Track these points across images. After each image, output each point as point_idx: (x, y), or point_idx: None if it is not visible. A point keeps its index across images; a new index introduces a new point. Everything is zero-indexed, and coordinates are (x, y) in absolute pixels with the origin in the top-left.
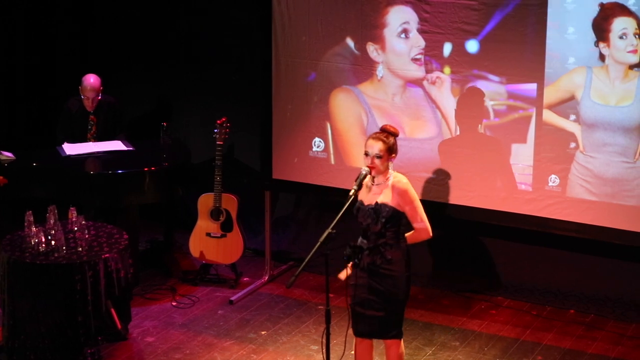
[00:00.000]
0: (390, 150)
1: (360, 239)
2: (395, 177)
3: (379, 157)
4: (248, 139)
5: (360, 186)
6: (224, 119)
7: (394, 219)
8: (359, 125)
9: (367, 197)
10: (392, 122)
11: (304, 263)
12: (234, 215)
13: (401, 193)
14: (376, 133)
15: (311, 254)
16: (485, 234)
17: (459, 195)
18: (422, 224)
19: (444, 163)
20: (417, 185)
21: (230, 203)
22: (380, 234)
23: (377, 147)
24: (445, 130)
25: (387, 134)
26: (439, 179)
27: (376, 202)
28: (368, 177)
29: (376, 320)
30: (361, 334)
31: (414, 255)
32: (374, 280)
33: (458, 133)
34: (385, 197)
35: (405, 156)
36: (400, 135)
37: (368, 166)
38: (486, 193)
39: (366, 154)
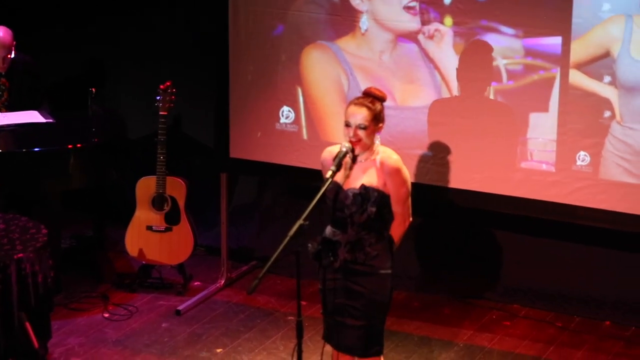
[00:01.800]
0: (377, 119)
1: (329, 230)
2: (384, 152)
3: (363, 127)
4: (199, 108)
5: (339, 166)
6: (168, 84)
7: (382, 206)
8: (337, 90)
9: (348, 179)
10: (379, 86)
11: (269, 263)
12: (181, 203)
13: (392, 172)
14: (358, 98)
15: (278, 251)
16: (496, 225)
17: (463, 178)
18: (405, 211)
19: (443, 137)
20: (410, 165)
21: (176, 188)
22: (365, 225)
23: (360, 115)
24: (446, 96)
25: (373, 99)
26: (438, 158)
27: (362, 186)
28: (349, 155)
29: (355, 332)
30: (344, 349)
31: (404, 251)
32: (353, 281)
33: (461, 100)
34: (370, 178)
35: (396, 129)
36: (389, 103)
37: (350, 141)
38: (497, 175)
39: (347, 125)
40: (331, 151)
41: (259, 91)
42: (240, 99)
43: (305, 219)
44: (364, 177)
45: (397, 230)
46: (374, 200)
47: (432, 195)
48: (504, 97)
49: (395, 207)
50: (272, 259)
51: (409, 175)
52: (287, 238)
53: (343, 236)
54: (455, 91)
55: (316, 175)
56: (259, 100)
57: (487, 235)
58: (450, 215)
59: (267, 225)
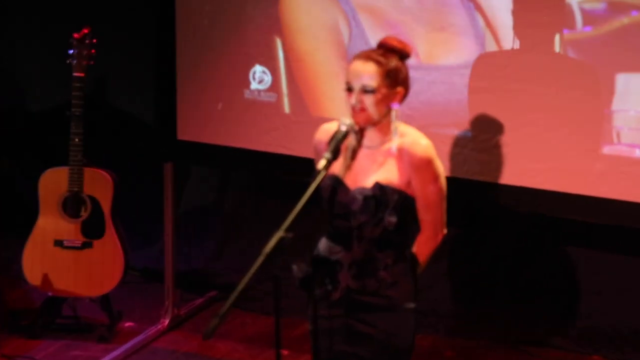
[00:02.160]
0: (393, 80)
1: (324, 245)
2: (407, 134)
3: (370, 91)
4: (132, 68)
5: (336, 152)
6: (85, 31)
7: (405, 213)
8: (334, 42)
9: (353, 173)
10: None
11: (235, 294)
12: (106, 207)
13: (419, 165)
14: (366, 51)
15: (248, 276)
16: (566, 239)
17: (517, 170)
18: (437, 220)
19: (488, 110)
20: (440, 151)
21: (99, 186)
22: (379, 240)
23: (366, 72)
24: (493, 49)
25: (386, 52)
26: (481, 140)
27: (376, 184)
28: (351, 136)
29: None
30: None
31: (431, 277)
32: (359, 319)
33: (515, 55)
34: (388, 173)
35: (418, 98)
36: (410, 61)
37: (352, 112)
38: (567, 165)
39: (348, 89)
40: (328, 130)
41: (220, 43)
42: (192, 55)
43: (287, 230)
44: (379, 171)
45: (424, 247)
46: (393, 206)
47: (472, 194)
48: (578, 51)
49: (423, 215)
50: (240, 287)
51: (442, 169)
52: (262, 257)
53: (346, 254)
54: (506, 42)
55: (304, 166)
56: (220, 57)
57: (553, 254)
58: (499, 225)
59: (232, 239)
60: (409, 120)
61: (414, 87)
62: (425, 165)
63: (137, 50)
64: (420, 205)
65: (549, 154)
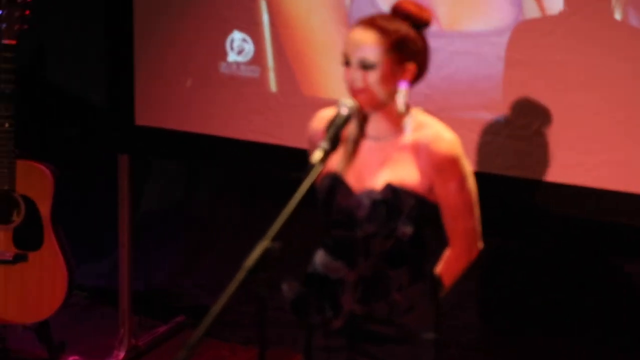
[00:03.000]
0: (402, 52)
1: (322, 259)
2: (427, 126)
3: (370, 66)
4: (77, 35)
5: (335, 142)
6: None
7: (423, 222)
8: (331, 2)
9: (356, 169)
10: None
11: (208, 320)
12: (44, 210)
13: (442, 165)
14: (372, 15)
15: (226, 297)
16: (626, 252)
17: (563, 163)
18: (470, 231)
19: (527, 89)
20: (467, 141)
21: (36, 184)
22: (392, 255)
23: (367, 43)
24: (533, 15)
25: (395, 16)
26: (518, 126)
27: (388, 186)
28: (353, 124)
29: None
30: None
31: (453, 299)
32: (367, 353)
33: (561, 20)
34: (402, 172)
35: (439, 74)
36: (430, 27)
37: (351, 91)
38: (626, 158)
39: (345, 63)
40: (326, 118)
41: (188, 3)
42: (152, 19)
43: (274, 239)
44: (390, 169)
45: (454, 265)
46: (409, 213)
47: (507, 193)
48: None
49: (452, 226)
50: (214, 311)
51: (470, 169)
52: (243, 273)
53: (349, 272)
54: (551, 4)
55: (295, 159)
56: (188, 21)
57: (612, 271)
58: (540, 233)
59: (203, 250)
60: (427, 101)
61: (433, 60)
62: (450, 165)
63: (83, 13)
64: (446, 215)
65: (604, 144)
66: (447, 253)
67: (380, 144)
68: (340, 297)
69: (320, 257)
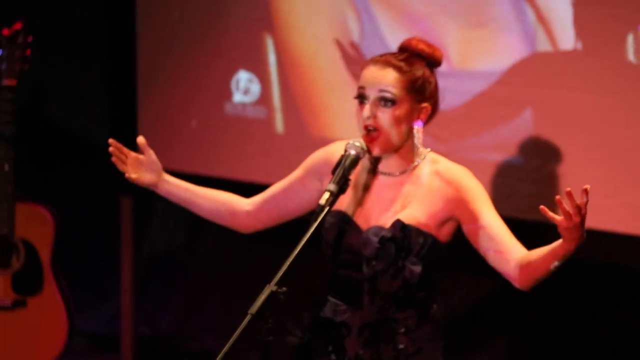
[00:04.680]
0: (419, 94)
1: (330, 303)
2: (439, 162)
3: (390, 101)
4: (79, 78)
5: (344, 184)
6: (17, 27)
7: (433, 262)
8: (340, 42)
9: (365, 208)
10: (422, 34)
11: None
12: (45, 255)
13: (476, 191)
14: (385, 54)
15: (230, 343)
16: None
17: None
18: (508, 239)
19: (545, 128)
20: (480, 181)
21: (36, 227)
22: (400, 297)
23: (385, 79)
24: (547, 50)
25: (409, 56)
26: (535, 168)
27: (397, 221)
28: (363, 161)
29: None
30: None
31: (462, 345)
32: None
33: (576, 58)
34: (413, 209)
35: (451, 113)
36: (441, 66)
37: (364, 133)
38: None
39: (360, 97)
40: (333, 153)
41: (193, 42)
42: (157, 58)
43: (280, 283)
44: (400, 206)
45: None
46: (418, 252)
47: (520, 238)
48: None
49: (509, 237)
50: (219, 358)
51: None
52: (248, 318)
53: (355, 314)
54: (564, 42)
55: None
56: (194, 61)
57: (634, 319)
58: (556, 280)
59: (207, 294)
60: (437, 141)
61: (444, 99)
62: (474, 182)
63: (86, 52)
64: (499, 233)
65: (622, 186)
66: (523, 254)
67: (391, 180)
68: (345, 340)
69: (330, 302)
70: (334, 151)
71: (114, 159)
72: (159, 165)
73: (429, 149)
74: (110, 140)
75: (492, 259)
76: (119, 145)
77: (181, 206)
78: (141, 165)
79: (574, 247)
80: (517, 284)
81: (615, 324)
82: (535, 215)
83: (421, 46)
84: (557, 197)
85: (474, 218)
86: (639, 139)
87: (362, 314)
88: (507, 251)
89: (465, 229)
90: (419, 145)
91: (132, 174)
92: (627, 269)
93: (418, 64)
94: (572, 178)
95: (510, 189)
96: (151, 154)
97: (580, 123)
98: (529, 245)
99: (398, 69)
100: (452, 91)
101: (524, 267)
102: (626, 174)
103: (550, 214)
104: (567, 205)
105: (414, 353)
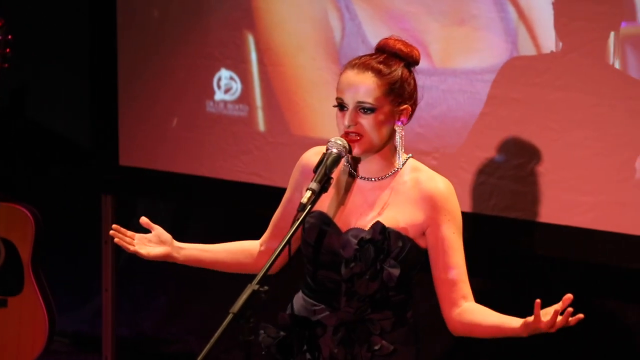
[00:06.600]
0: (398, 96)
1: (301, 302)
2: (421, 170)
3: (369, 109)
4: (59, 77)
5: (326, 183)
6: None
7: (411, 265)
8: (322, 40)
9: (346, 210)
10: (402, 34)
11: None
12: (25, 254)
13: (446, 204)
14: (362, 57)
15: (211, 343)
16: (629, 296)
17: (560, 204)
18: (463, 278)
19: (523, 127)
20: (460, 181)
21: (16, 226)
22: (377, 299)
23: (364, 85)
24: (528, 52)
25: (390, 58)
26: (513, 166)
27: (377, 223)
28: (343, 162)
29: None
30: None
31: (438, 347)
32: None
33: (556, 58)
34: (393, 212)
35: (431, 112)
36: (421, 64)
37: (345, 136)
38: (625, 198)
39: (339, 105)
40: (309, 159)
41: (174, 41)
42: (137, 57)
43: (262, 282)
44: (380, 208)
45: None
46: (397, 255)
47: (501, 236)
48: None
49: (458, 263)
50: (200, 358)
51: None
52: (229, 317)
53: (331, 315)
54: (545, 40)
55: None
56: (174, 59)
57: (618, 318)
58: (537, 278)
59: (190, 295)
60: (419, 139)
61: (426, 98)
62: (452, 206)
63: (66, 51)
64: (437, 263)
65: (602, 184)
66: (471, 306)
67: (372, 184)
68: (320, 339)
69: (298, 299)
70: (308, 157)
71: (118, 241)
72: (167, 235)
73: (410, 155)
74: (114, 227)
75: (440, 291)
76: (122, 230)
77: (204, 267)
78: (150, 242)
79: (526, 336)
80: (450, 329)
81: (599, 321)
82: (516, 213)
83: (399, 46)
84: (556, 307)
85: (438, 241)
86: (621, 138)
87: (338, 314)
88: (456, 292)
89: (429, 246)
90: (400, 147)
91: (142, 251)
92: (606, 267)
93: (396, 64)
94: (553, 176)
95: (492, 187)
96: (157, 229)
97: (561, 122)
98: (509, 241)
99: (377, 72)
100: (434, 89)
101: (466, 323)
102: (607, 173)
103: (539, 311)
104: (559, 320)
105: (388, 354)
